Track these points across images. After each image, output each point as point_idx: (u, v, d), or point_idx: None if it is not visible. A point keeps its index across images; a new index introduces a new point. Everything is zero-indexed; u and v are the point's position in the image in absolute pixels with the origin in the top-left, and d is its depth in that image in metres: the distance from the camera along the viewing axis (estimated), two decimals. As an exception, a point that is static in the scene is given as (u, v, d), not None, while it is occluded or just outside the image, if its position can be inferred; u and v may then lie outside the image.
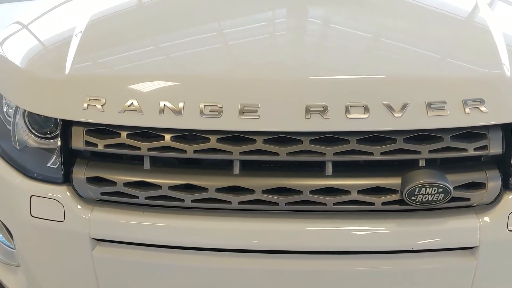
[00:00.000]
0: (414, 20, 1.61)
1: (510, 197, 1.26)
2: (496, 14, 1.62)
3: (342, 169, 1.26)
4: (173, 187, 1.26)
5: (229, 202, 1.25)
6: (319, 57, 1.39)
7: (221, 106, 1.23)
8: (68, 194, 1.32)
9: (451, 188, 1.21)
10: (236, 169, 1.25)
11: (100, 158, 1.33)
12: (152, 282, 1.30)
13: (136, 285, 1.32)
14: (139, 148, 1.26)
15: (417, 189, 1.20)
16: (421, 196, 1.21)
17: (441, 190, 1.21)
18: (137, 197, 1.27)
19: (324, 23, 1.61)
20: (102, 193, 1.29)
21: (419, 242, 1.23)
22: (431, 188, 1.20)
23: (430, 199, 1.21)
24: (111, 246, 1.30)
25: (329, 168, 1.25)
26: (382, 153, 1.24)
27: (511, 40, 1.46)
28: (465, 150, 1.25)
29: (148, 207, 1.30)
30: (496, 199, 1.26)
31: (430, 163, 1.26)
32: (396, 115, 1.23)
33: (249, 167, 1.28)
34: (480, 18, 1.58)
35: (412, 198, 1.21)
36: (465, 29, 1.56)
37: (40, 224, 1.33)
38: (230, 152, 1.24)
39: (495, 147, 1.26)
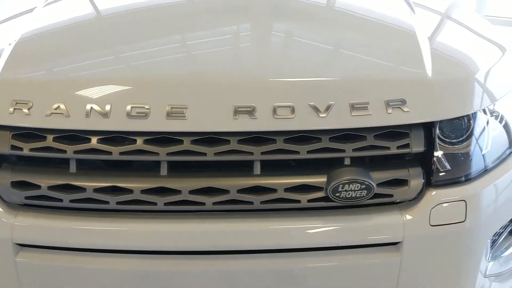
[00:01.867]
0: (342, 25, 1.66)
1: (432, 193, 1.30)
2: (421, 19, 1.69)
3: (271, 168, 1.28)
4: (99, 190, 1.25)
5: (155, 204, 1.25)
6: (248, 59, 1.42)
7: (148, 107, 1.24)
8: None
9: (374, 185, 1.24)
10: (163, 170, 1.25)
11: (27, 163, 1.31)
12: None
13: None
14: (65, 151, 1.25)
15: (341, 185, 1.23)
16: (345, 192, 1.23)
17: (364, 186, 1.24)
18: (61, 200, 1.25)
19: (255, 26, 1.65)
20: (26, 197, 1.26)
21: (344, 239, 1.25)
22: (354, 185, 1.23)
23: (353, 195, 1.24)
24: (35, 252, 1.27)
25: (257, 168, 1.26)
26: (308, 152, 1.26)
27: (435, 44, 1.54)
28: (388, 148, 1.29)
29: (75, 211, 1.28)
30: (419, 196, 1.30)
31: (355, 161, 1.30)
32: (321, 115, 1.26)
33: (177, 169, 1.28)
34: (406, 23, 1.63)
35: (336, 194, 1.23)
36: (391, 33, 1.62)
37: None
38: (157, 153, 1.24)
39: (417, 145, 1.31)
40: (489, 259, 1.46)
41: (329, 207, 1.28)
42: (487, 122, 1.43)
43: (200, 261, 1.25)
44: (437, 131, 1.35)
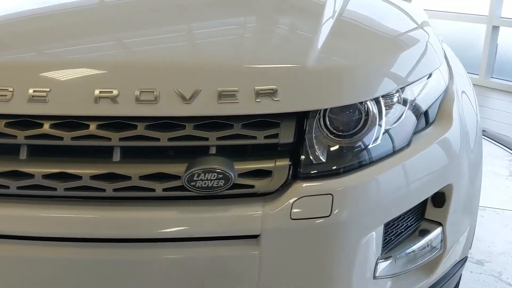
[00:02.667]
0: (246, 9, 1.62)
1: (297, 186, 1.24)
2: (338, 4, 1.63)
3: (133, 155, 1.25)
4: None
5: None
6: (115, 43, 1.40)
7: (12, 90, 1.23)
8: None
9: (232, 175, 1.20)
10: (23, 155, 1.24)
11: None
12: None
13: None
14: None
15: (196, 174, 1.19)
16: (200, 182, 1.19)
17: (221, 176, 1.19)
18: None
19: (131, 11, 1.62)
20: None
21: (197, 230, 1.21)
22: (210, 174, 1.19)
23: (210, 185, 1.20)
24: None
25: (116, 154, 1.23)
26: (170, 139, 1.23)
27: (338, 30, 1.48)
28: (254, 138, 1.24)
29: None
30: (283, 188, 1.25)
31: (224, 150, 1.25)
32: (186, 101, 1.22)
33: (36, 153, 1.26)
34: (318, 8, 1.58)
35: (192, 184, 1.19)
36: (295, 18, 1.57)
37: None
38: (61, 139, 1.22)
39: (286, 136, 1.25)
40: (381, 258, 1.40)
41: (191, 197, 1.24)
42: (379, 114, 1.36)
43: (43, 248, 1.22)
44: (316, 121, 1.30)
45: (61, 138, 1.22)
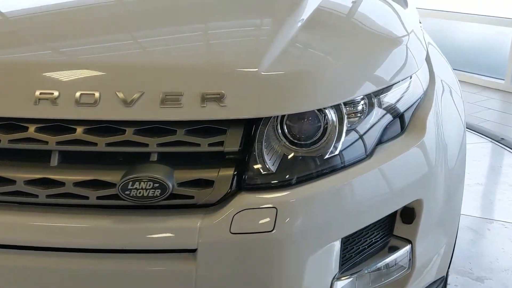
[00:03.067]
0: (212, 10, 1.55)
1: (240, 198, 1.16)
2: (313, 6, 1.55)
3: (74, 160, 1.20)
4: None
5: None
6: (59, 43, 1.34)
7: None
8: None
9: (170, 184, 1.13)
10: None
11: None
12: None
13: None
14: None
15: (130, 183, 1.13)
16: (135, 191, 1.13)
17: (156, 185, 1.13)
18: None
19: (83, 13, 1.57)
20: None
21: (132, 242, 1.14)
22: (145, 183, 1.13)
23: (145, 194, 1.13)
24: None
25: (54, 158, 1.18)
26: (108, 144, 1.17)
27: (305, 33, 1.40)
28: (198, 145, 1.17)
29: None
30: (225, 199, 1.17)
31: (164, 157, 1.19)
32: (127, 105, 1.16)
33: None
34: (289, 11, 1.50)
35: (126, 192, 1.13)
36: (261, 20, 1.49)
37: None
38: None
39: (232, 144, 1.18)
40: (338, 277, 1.31)
41: (131, 207, 1.18)
42: (339, 122, 1.27)
43: None
44: (274, 128, 1.23)
45: None
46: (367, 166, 1.27)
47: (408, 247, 1.41)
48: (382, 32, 1.55)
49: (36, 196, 1.17)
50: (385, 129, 1.36)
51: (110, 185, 1.16)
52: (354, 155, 1.28)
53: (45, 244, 1.14)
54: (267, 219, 1.14)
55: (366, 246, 1.38)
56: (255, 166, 1.19)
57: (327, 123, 1.26)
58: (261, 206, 1.15)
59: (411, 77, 1.46)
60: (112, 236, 1.14)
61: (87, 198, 1.16)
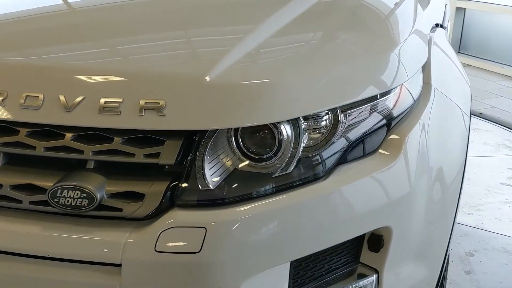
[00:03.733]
0: (164, 16, 1.49)
1: (171, 215, 1.10)
2: (295, 11, 1.45)
3: (17, 163, 1.19)
4: None
5: None
6: (10, 44, 1.33)
7: None
8: None
9: (98, 195, 1.09)
10: None
11: None
12: None
13: None
14: None
15: (59, 190, 1.10)
16: (64, 199, 1.10)
17: (84, 195, 1.09)
18: None
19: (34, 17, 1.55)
20: None
21: (58, 250, 1.11)
22: (73, 192, 1.09)
23: (73, 203, 1.10)
24: None
25: None
26: (46, 149, 1.15)
27: (277, 40, 1.32)
28: (133, 155, 1.13)
29: None
30: (155, 214, 1.11)
31: (101, 166, 1.15)
32: (67, 110, 1.14)
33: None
34: (264, 17, 1.41)
35: (55, 200, 1.10)
36: (232, 26, 1.41)
37: None
38: None
39: (168, 157, 1.12)
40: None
41: (63, 214, 1.15)
42: (295, 138, 1.18)
43: None
44: (228, 141, 1.16)
45: None
46: (320, 188, 1.17)
47: (374, 276, 1.29)
48: (368, 37, 1.41)
49: None
50: (353, 147, 1.25)
51: (44, 190, 1.14)
52: (307, 175, 1.18)
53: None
54: (195, 239, 1.07)
55: (324, 272, 1.28)
56: (192, 182, 1.13)
57: (282, 139, 1.17)
58: (190, 225, 1.08)
59: (391, 91, 1.32)
60: (38, 243, 1.12)
61: (20, 202, 1.15)
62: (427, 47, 1.55)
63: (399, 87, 1.35)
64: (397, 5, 1.67)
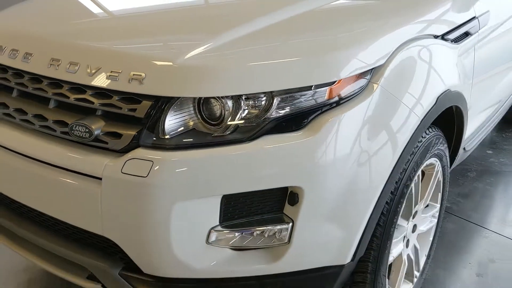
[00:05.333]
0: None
1: (136, 150, 1.64)
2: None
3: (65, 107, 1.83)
4: None
5: None
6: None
7: None
8: None
9: (95, 132, 1.67)
10: None
11: None
12: None
13: None
14: None
15: (75, 125, 1.70)
16: (75, 131, 1.69)
17: (87, 130, 1.68)
18: None
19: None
20: None
21: (60, 161, 1.74)
22: (81, 127, 1.68)
23: (80, 135, 1.69)
24: None
25: (51, 104, 1.82)
26: (76, 100, 1.76)
27: (258, 33, 1.82)
28: (120, 108, 1.68)
29: None
30: (127, 150, 1.65)
31: (106, 114, 1.73)
32: (89, 75, 1.73)
33: None
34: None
35: (72, 131, 1.70)
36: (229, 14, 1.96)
37: None
38: None
39: (141, 112, 1.65)
40: (217, 228, 1.67)
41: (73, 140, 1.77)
42: (235, 111, 1.62)
43: None
44: (193, 106, 1.65)
45: None
46: (245, 146, 1.62)
47: (289, 224, 1.68)
48: (336, 30, 1.85)
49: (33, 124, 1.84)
50: (282, 123, 1.65)
51: (67, 125, 1.75)
52: (238, 137, 1.63)
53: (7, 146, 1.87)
54: (145, 168, 1.60)
55: (252, 214, 1.70)
56: (153, 131, 1.64)
57: (226, 110, 1.63)
58: (143, 159, 1.61)
59: (327, 84, 1.68)
60: (45, 152, 1.78)
61: (55, 131, 1.78)
62: (387, 53, 1.85)
63: (337, 81, 1.70)
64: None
